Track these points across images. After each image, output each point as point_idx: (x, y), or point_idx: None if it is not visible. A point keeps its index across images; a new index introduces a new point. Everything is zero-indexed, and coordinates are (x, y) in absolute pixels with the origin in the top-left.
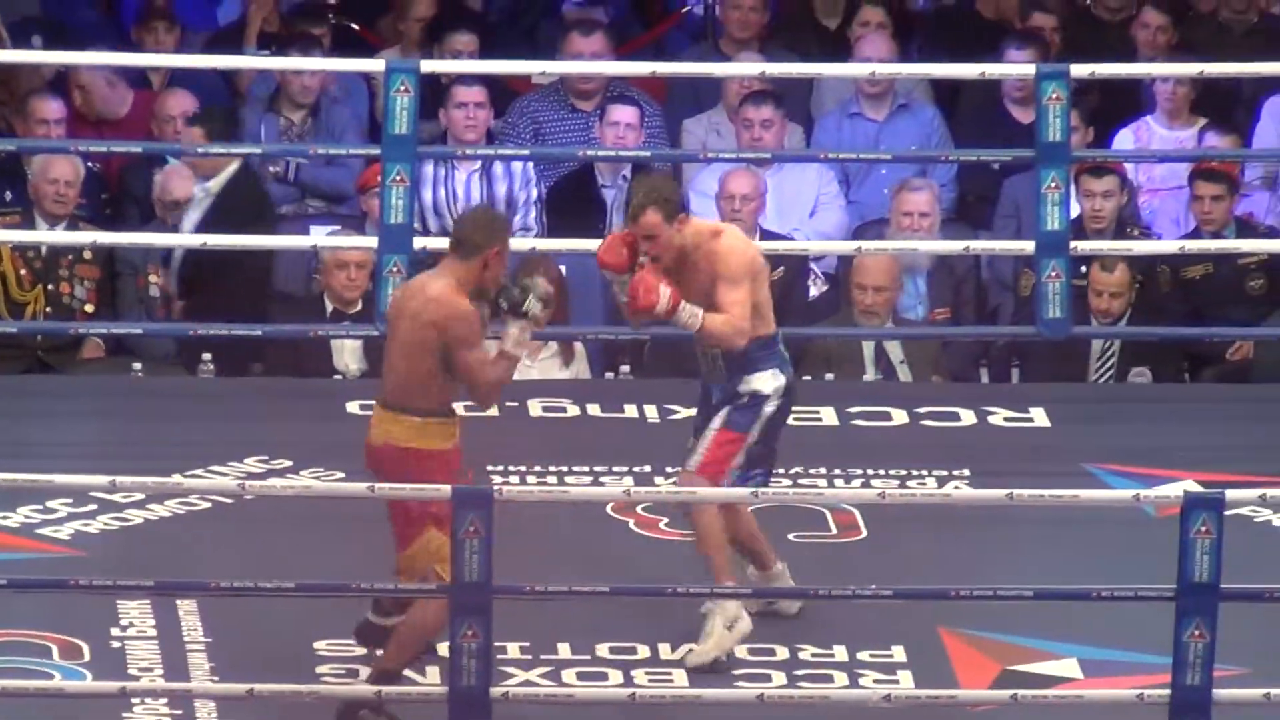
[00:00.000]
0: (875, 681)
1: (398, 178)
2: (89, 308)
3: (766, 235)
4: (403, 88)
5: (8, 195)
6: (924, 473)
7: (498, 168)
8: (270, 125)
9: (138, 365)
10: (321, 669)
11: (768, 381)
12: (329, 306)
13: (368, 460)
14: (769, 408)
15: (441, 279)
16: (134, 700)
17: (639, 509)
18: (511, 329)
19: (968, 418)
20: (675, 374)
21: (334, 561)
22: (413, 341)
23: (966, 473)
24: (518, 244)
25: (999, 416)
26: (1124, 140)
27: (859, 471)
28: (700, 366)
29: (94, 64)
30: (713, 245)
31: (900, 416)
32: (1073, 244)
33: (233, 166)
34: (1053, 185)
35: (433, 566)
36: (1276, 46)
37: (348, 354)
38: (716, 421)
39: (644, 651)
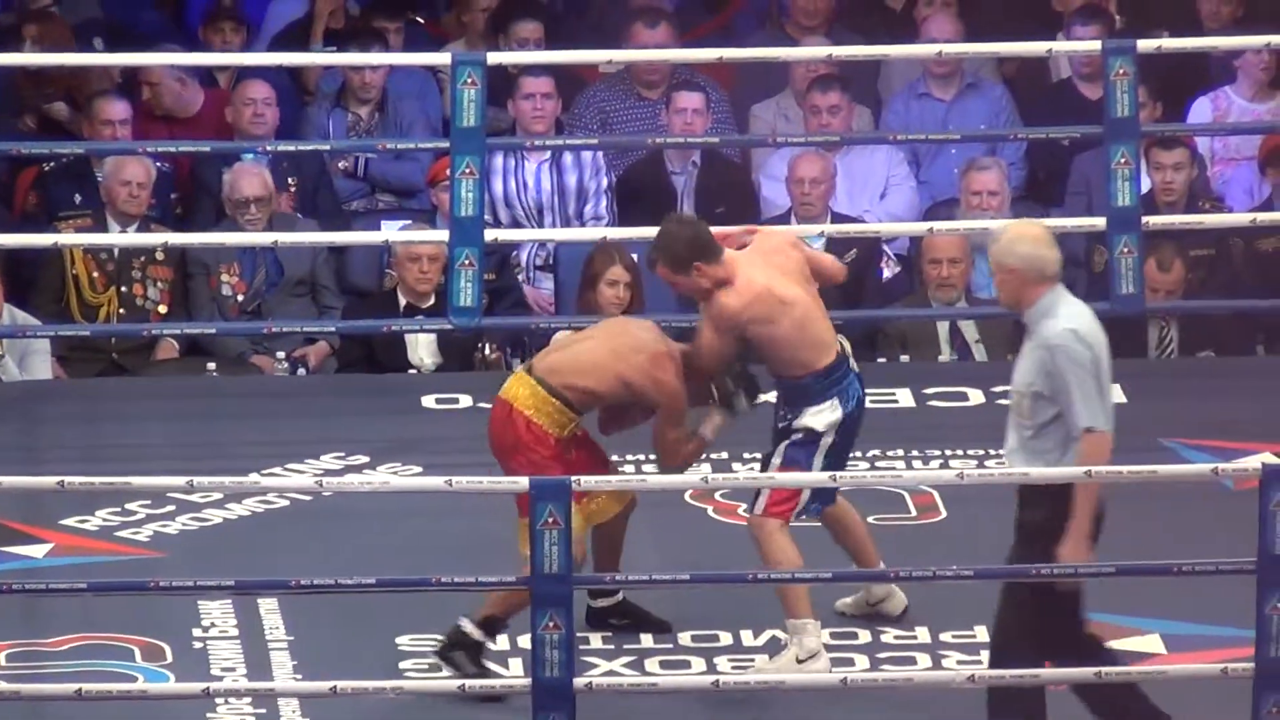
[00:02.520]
0: (959, 662)
1: (467, 170)
2: (162, 309)
3: (838, 218)
4: (470, 80)
5: (77, 198)
6: (1002, 451)
7: (567, 158)
8: (339, 121)
9: (212, 365)
10: (404, 664)
11: (824, 416)
12: (402, 301)
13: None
14: (826, 440)
15: (672, 344)
16: (218, 700)
17: (717, 495)
18: (715, 417)
19: None
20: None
21: (414, 557)
22: (622, 370)
23: None
24: (588, 233)
25: None
26: (1201, 110)
27: (937, 452)
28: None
29: (161, 64)
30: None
31: (976, 396)
32: (1144, 219)
33: None
34: (1123, 161)
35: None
36: None
37: (422, 348)
38: (776, 459)
39: (726, 639)
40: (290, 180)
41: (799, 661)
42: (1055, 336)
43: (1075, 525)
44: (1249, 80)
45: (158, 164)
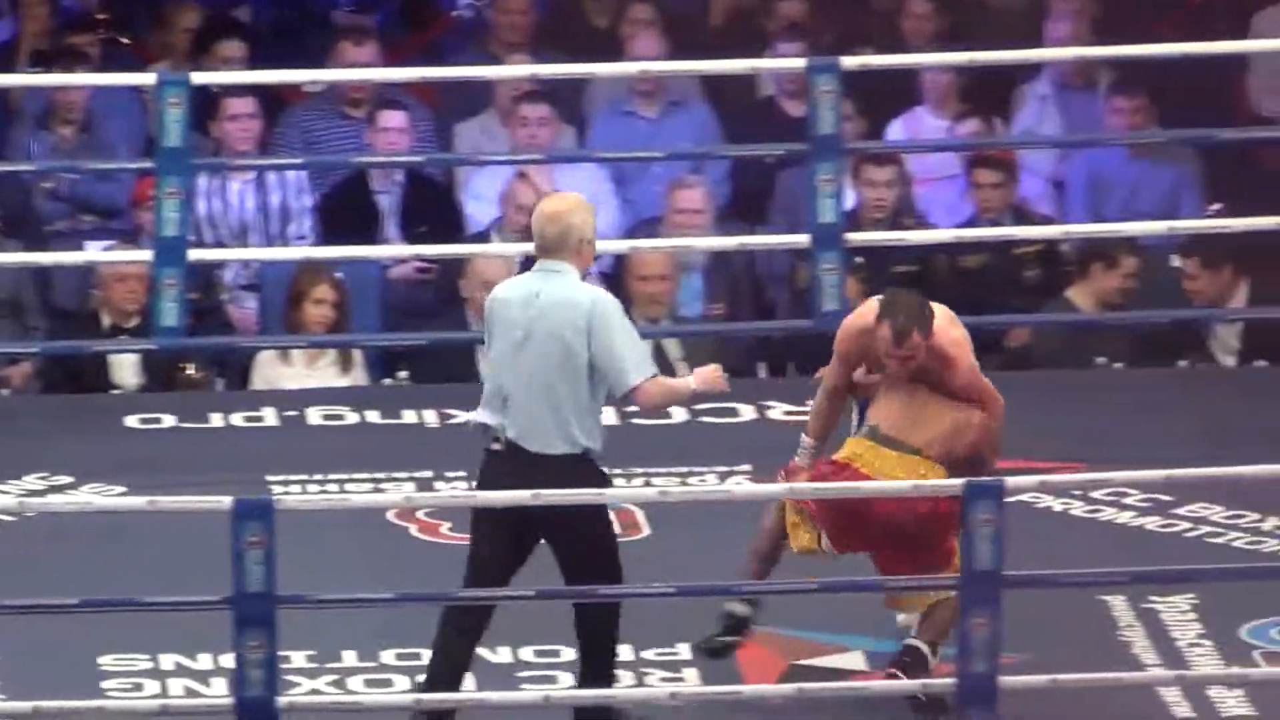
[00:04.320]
0: (661, 680)
1: (172, 191)
2: None
3: None
4: (174, 100)
5: None
6: (705, 470)
7: (270, 178)
8: (42, 142)
9: None
10: (107, 684)
11: None
12: (106, 321)
13: None
14: None
15: None
16: None
17: (420, 514)
18: None
19: (747, 413)
20: (453, 379)
21: (119, 577)
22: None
23: (747, 468)
24: (292, 252)
25: (778, 410)
26: (895, 131)
27: (639, 470)
28: None
29: None
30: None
31: (679, 414)
32: (847, 235)
33: None
34: (827, 178)
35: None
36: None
37: (126, 368)
38: None
39: (428, 656)
40: None
41: None
42: None
43: None
44: (931, 97)
45: None
